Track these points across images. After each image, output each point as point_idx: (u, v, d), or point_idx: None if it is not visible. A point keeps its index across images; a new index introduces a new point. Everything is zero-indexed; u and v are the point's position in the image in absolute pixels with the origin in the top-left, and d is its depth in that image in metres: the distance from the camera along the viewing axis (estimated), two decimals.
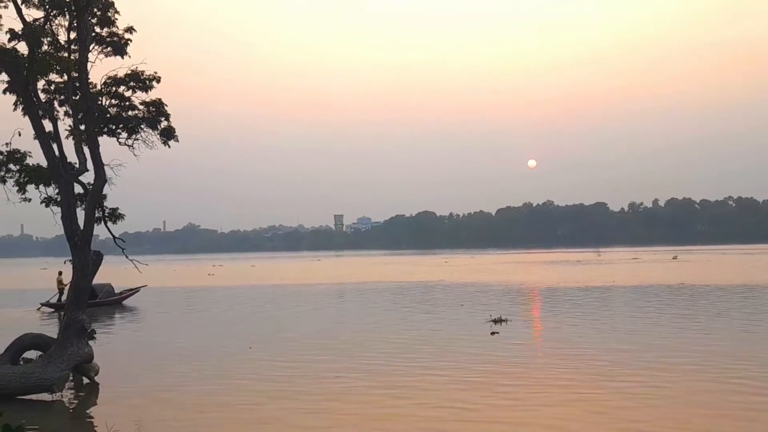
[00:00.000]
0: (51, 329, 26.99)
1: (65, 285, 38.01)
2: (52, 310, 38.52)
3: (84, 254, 18.09)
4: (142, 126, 19.72)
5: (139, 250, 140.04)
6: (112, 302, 42.25)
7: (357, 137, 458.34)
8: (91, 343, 18.40)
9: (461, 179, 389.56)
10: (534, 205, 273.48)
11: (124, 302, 43.20)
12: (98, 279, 41.16)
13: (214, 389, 16.64)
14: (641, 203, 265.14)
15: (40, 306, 39.49)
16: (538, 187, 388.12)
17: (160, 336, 27.90)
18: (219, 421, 13.74)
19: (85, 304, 18.64)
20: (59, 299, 39.05)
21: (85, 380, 18.07)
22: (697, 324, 26.30)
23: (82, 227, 18.28)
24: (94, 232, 19.06)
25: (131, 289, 44.42)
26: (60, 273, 39.73)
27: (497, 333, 24.78)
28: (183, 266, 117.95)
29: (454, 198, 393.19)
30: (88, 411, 15.89)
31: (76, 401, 16.69)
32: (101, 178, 18.56)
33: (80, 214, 18.59)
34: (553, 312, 32.32)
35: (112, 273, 40.46)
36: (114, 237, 20.55)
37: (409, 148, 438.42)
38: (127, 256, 20.53)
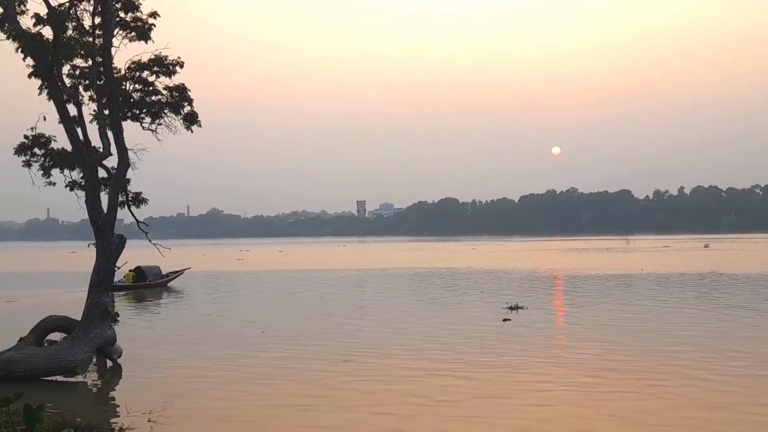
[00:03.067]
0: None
1: (119, 268, 40.76)
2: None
3: (107, 238, 18.25)
4: (166, 111, 19.81)
5: (163, 235, 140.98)
6: (160, 284, 43.98)
7: (379, 124, 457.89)
8: (116, 325, 18.60)
9: (484, 166, 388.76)
10: (558, 192, 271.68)
11: (170, 284, 44.83)
12: (147, 262, 43.05)
13: (232, 374, 16.78)
14: (666, 191, 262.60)
15: None
16: (562, 175, 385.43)
17: (188, 319, 28.26)
18: (237, 405, 13.84)
19: (109, 286, 18.80)
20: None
21: (109, 362, 18.27)
22: (717, 313, 26.08)
23: (106, 211, 18.44)
24: (119, 217, 19.24)
25: (176, 272, 46.44)
26: None
27: (509, 320, 24.75)
28: (211, 251, 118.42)
29: (477, 185, 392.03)
30: (109, 393, 16.11)
31: (98, 383, 16.93)
32: (125, 162, 18.69)
33: (104, 198, 18.75)
34: (573, 300, 32.11)
35: (145, 257, 41.23)
36: (137, 221, 20.72)
37: (432, 134, 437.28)
38: (150, 240, 20.69)
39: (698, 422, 12.17)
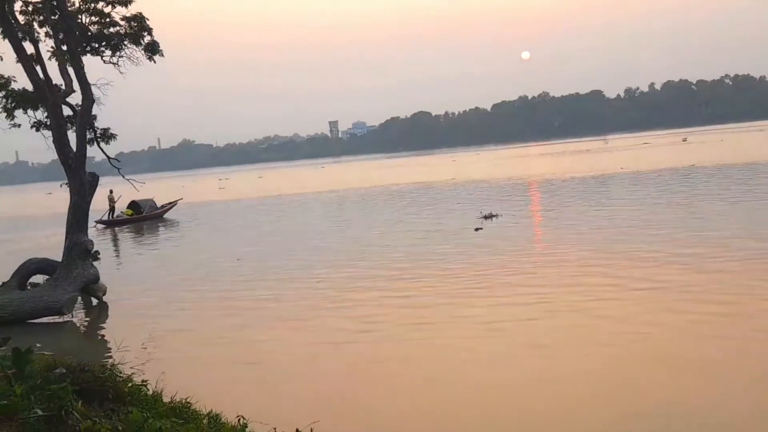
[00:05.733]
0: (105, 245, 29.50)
1: (116, 202, 42.54)
2: (104, 226, 41.14)
3: (79, 176, 17.98)
4: (125, 42, 19.30)
5: (136, 169, 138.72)
6: (155, 216, 44.12)
7: (345, 43, 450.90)
8: (97, 263, 18.55)
9: (454, 77, 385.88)
10: (529, 97, 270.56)
11: (164, 216, 44.98)
12: (141, 197, 42.96)
13: (216, 303, 16.90)
14: (637, 88, 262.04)
15: (94, 224, 39.72)
16: (533, 80, 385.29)
17: (173, 252, 28.52)
18: (222, 336, 13.94)
19: (86, 225, 18.63)
20: (110, 216, 42.45)
21: (94, 300, 18.26)
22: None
23: (75, 149, 18.12)
24: (91, 155, 18.97)
25: (170, 203, 46.54)
26: (111, 191, 40.97)
27: (481, 229, 24.95)
28: (189, 182, 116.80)
29: (449, 97, 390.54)
30: (97, 330, 16.15)
31: (86, 321, 16.93)
32: (88, 98, 18.28)
33: (72, 136, 18.41)
34: (549, 205, 32.21)
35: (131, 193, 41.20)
36: (108, 157, 20.42)
37: (400, 49, 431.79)
38: (123, 176, 20.47)
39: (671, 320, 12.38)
